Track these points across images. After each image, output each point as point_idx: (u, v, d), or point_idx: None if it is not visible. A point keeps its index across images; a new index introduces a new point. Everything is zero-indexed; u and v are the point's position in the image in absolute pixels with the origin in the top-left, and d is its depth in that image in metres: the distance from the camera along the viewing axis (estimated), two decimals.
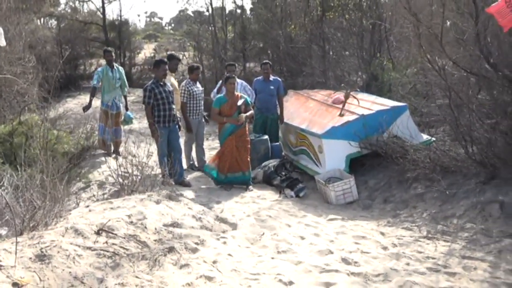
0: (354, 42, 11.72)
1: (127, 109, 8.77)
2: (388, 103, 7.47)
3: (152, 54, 20.35)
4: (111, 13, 37.56)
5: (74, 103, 14.62)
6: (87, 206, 4.72)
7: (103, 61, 20.57)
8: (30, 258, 3.31)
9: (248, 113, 6.95)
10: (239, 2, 18.91)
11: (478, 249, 4.55)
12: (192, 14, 28.60)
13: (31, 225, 3.88)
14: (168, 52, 9.29)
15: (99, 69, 8.62)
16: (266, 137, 8.04)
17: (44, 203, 4.02)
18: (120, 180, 5.81)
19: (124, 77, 8.58)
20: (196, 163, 8.30)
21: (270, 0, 15.95)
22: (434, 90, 8.31)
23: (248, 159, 7.01)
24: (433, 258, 4.36)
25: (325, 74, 12.68)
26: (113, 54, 8.67)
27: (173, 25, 56.45)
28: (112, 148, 8.56)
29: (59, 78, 15.64)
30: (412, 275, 3.87)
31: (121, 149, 8.53)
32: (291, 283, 3.63)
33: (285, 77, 15.23)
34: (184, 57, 18.08)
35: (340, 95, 8.05)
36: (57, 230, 3.84)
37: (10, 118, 8.65)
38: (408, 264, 4.18)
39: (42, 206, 3.96)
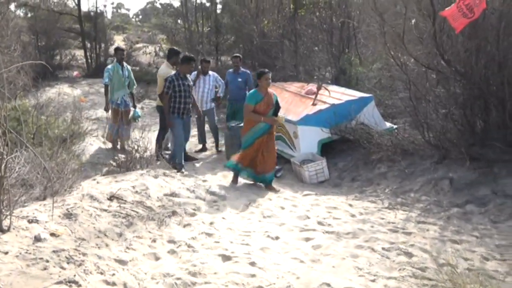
0: (324, 39, 12.50)
1: (135, 106, 8.95)
2: (356, 94, 8.30)
3: (128, 46, 20.64)
4: (86, 4, 37.20)
5: (52, 92, 14.90)
6: (94, 179, 5.34)
7: (77, 52, 20.87)
8: (59, 216, 3.94)
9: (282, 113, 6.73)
10: None
11: (431, 216, 5.42)
12: (160, 6, 28.93)
13: (52, 191, 4.47)
14: (166, 47, 9.49)
15: (109, 67, 8.65)
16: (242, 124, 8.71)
17: (62, 173, 4.62)
18: (118, 159, 6.41)
19: (132, 75, 8.76)
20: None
21: None
22: (397, 84, 9.17)
23: (275, 159, 6.74)
24: (393, 223, 5.18)
25: (297, 68, 13.45)
26: (125, 53, 8.86)
27: (140, 17, 56.09)
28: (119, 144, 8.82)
29: (37, 68, 15.85)
30: (375, 234, 4.66)
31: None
32: (277, 238, 4.38)
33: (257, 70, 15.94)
34: (160, 50, 18.61)
35: (313, 86, 8.82)
36: (75, 196, 4.46)
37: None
38: (372, 227, 4.98)
39: (62, 176, 4.55)
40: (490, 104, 6.55)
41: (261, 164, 6.51)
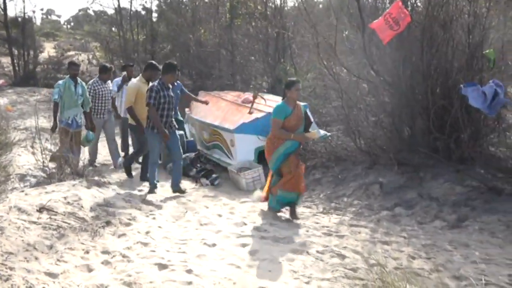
0: (260, 48, 12.73)
1: (88, 127, 7.92)
2: None
3: (59, 54, 19.95)
4: (12, 9, 35.42)
5: None
6: (23, 191, 5.11)
7: (3, 59, 19.89)
8: None
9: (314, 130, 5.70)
10: (147, 5, 19.08)
11: (362, 219, 5.65)
12: (93, 13, 28.25)
13: None
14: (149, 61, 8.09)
15: (60, 82, 7.72)
16: (181, 132, 8.67)
17: None
18: (47, 170, 6.17)
19: (87, 93, 7.81)
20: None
21: (179, 5, 16.62)
22: (330, 93, 9.47)
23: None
24: (327, 227, 5.34)
25: (233, 77, 13.59)
26: (80, 69, 7.93)
27: (72, 24, 54.29)
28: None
29: None
30: (310, 238, 4.78)
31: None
32: (214, 245, 4.38)
33: (194, 79, 15.94)
34: (94, 58, 18.15)
35: (249, 95, 8.93)
36: (2, 209, 4.26)
37: None
38: (307, 231, 5.10)
39: None
40: (416, 112, 6.94)
41: (295, 184, 5.52)
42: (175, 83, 8.72)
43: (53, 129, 7.65)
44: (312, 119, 5.67)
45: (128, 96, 7.12)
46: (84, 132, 7.85)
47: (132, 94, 7.01)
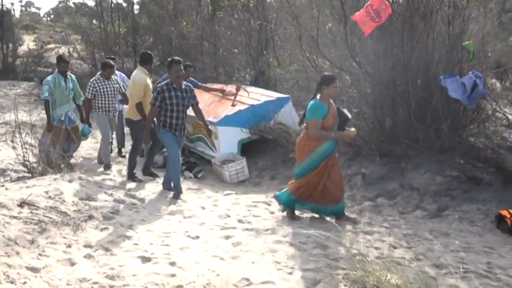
0: (243, 41, 12.67)
1: (83, 121, 7.72)
2: (274, 94, 8.51)
3: (39, 47, 19.64)
4: None
5: None
6: (3, 185, 5.05)
7: None
8: None
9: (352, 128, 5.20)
10: None
11: (345, 210, 5.68)
12: (73, 5, 27.87)
13: None
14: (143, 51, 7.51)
15: (49, 78, 7.38)
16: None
17: None
18: (29, 164, 6.10)
19: (78, 86, 7.60)
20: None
21: None
22: (313, 85, 9.47)
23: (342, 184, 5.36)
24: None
25: (217, 70, 13.52)
26: (69, 65, 7.70)
27: (52, 16, 53.52)
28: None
29: None
30: (294, 229, 4.82)
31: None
32: (197, 237, 4.40)
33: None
34: (74, 51, 17.92)
35: (232, 88, 8.92)
36: None
37: None
38: (290, 222, 5.14)
39: None
40: (397, 104, 7.01)
41: (324, 194, 5.15)
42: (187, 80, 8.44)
43: (49, 129, 7.36)
44: (349, 115, 5.22)
45: (137, 92, 6.70)
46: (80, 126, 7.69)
47: (141, 89, 6.65)
